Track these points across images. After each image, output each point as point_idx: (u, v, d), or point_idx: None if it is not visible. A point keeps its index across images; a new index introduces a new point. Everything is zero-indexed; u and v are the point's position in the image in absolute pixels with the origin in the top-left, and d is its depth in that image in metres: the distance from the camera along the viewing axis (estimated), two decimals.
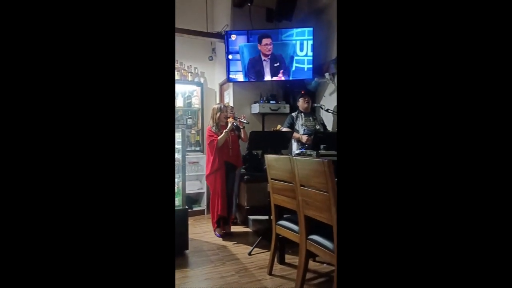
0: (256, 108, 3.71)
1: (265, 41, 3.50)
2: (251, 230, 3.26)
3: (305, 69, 3.53)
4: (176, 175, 2.76)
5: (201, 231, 3.29)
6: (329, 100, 3.54)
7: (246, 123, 3.02)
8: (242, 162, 3.27)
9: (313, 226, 1.73)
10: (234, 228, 3.24)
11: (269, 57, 3.53)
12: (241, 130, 3.10)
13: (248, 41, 3.54)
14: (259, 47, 3.52)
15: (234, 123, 2.99)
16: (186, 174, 2.75)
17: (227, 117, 3.07)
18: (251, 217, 3.25)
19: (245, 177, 3.27)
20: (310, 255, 1.86)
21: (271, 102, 3.71)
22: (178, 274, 2.20)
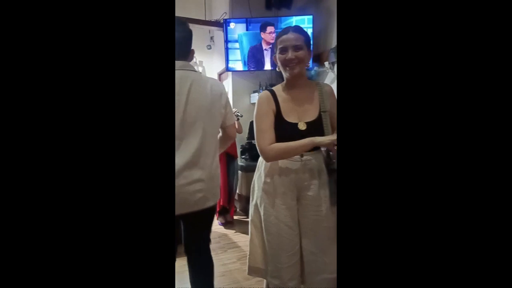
0: (255, 98, 3.70)
1: (269, 29, 3.47)
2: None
3: None
4: None
5: None
6: None
7: (240, 116, 3.05)
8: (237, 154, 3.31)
9: None
10: (235, 217, 3.27)
11: (271, 46, 3.51)
12: (236, 122, 3.12)
13: (247, 30, 3.50)
14: (263, 35, 3.48)
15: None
16: None
17: None
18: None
19: (241, 165, 3.29)
20: None
21: None
22: (179, 262, 2.22)
